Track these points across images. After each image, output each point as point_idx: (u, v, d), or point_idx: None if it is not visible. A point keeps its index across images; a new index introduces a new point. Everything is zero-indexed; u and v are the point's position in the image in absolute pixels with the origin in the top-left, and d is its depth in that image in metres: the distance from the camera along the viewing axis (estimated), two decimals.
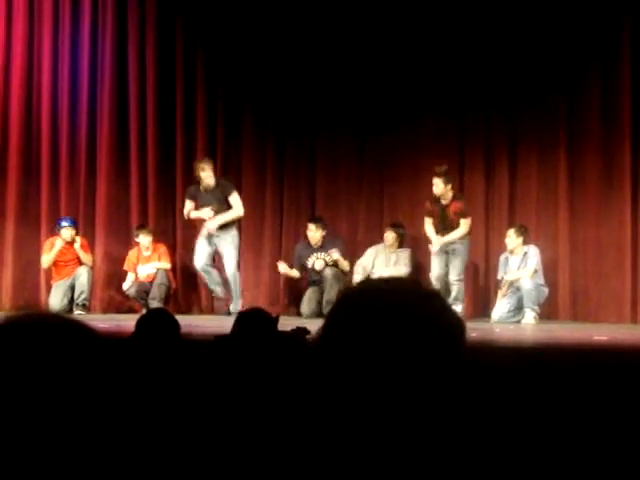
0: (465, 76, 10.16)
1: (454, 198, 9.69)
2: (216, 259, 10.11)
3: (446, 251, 9.69)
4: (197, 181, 9.94)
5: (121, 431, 1.02)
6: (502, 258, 9.73)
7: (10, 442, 0.99)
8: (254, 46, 10.55)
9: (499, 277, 9.78)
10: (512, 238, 9.57)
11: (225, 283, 10.01)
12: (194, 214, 9.95)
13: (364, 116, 10.49)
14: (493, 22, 10.05)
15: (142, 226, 10.32)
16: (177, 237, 10.80)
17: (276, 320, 4.03)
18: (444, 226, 9.71)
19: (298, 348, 3.02)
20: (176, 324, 3.76)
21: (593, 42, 9.82)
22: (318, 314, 9.70)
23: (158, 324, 3.66)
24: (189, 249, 10.63)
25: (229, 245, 9.88)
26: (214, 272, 10.02)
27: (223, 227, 9.84)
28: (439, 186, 9.58)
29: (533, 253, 9.51)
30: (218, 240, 9.89)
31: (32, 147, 10.82)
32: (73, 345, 0.99)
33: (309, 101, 10.54)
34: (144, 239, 10.13)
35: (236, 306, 9.73)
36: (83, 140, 10.78)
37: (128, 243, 10.56)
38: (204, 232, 9.91)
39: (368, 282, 1.44)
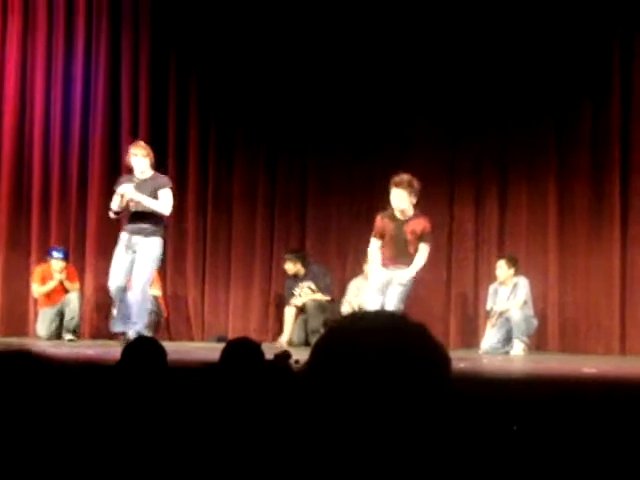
0: (456, 105, 10.22)
1: (416, 215, 8.04)
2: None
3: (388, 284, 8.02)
4: (129, 170, 8.49)
5: (100, 457, 1.01)
6: (491, 289, 9.73)
7: None
8: (246, 69, 10.61)
9: (488, 308, 9.78)
10: (504, 269, 9.58)
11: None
12: (114, 204, 8.19)
13: (354, 143, 10.53)
14: (484, 51, 10.12)
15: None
16: (167, 263, 10.79)
17: (260, 348, 4.04)
18: (396, 249, 8.02)
19: (282, 376, 3.02)
20: (163, 352, 3.75)
21: (583, 73, 9.91)
22: (304, 342, 9.81)
23: (144, 351, 3.65)
24: (180, 274, 10.66)
25: (145, 254, 8.09)
26: (128, 299, 8.16)
27: (144, 233, 8.12)
28: (404, 200, 7.89)
29: (523, 284, 9.53)
30: (136, 247, 8.12)
31: (23, 175, 10.81)
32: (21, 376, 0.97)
33: (300, 125, 10.58)
34: None
35: (138, 329, 8.00)
36: (74, 167, 10.78)
37: None
38: (123, 238, 8.22)
39: (353, 316, 1.44)
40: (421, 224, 7.98)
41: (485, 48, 10.12)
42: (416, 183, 7.93)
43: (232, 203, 10.80)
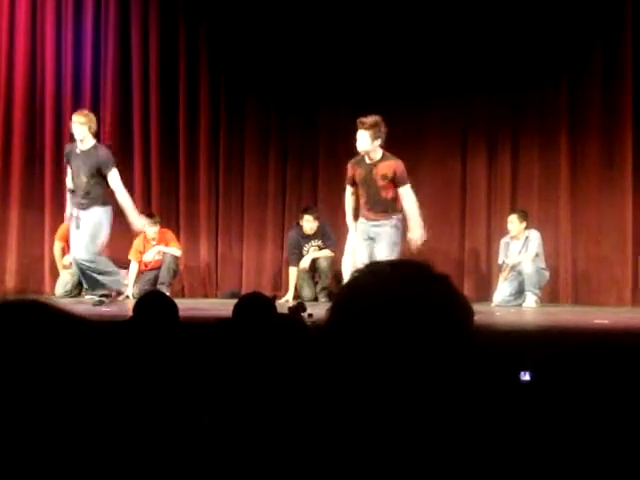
0: (468, 61, 10.14)
1: (385, 157, 7.53)
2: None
3: (371, 237, 7.52)
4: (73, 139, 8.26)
5: (112, 416, 1.01)
6: (503, 242, 9.74)
7: None
8: (257, 25, 10.55)
9: (500, 261, 9.79)
10: (515, 224, 9.58)
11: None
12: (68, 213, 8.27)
13: (366, 99, 10.46)
14: (496, 8, 10.04)
15: (149, 215, 10.12)
16: (180, 222, 10.84)
17: (273, 301, 4.07)
18: (368, 194, 7.54)
19: (295, 328, 3.05)
20: (174, 307, 3.77)
21: (595, 25, 9.83)
22: (314, 299, 9.82)
23: (156, 307, 3.68)
24: (193, 233, 10.71)
25: (88, 223, 7.96)
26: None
27: (88, 204, 7.99)
28: (364, 140, 7.39)
29: (534, 237, 9.54)
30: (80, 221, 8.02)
31: (36, 134, 10.83)
32: (45, 331, 0.97)
33: (311, 81, 10.53)
34: (150, 229, 9.93)
35: (97, 291, 8.18)
36: None
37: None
38: (73, 214, 8.11)
39: (377, 265, 1.42)
40: (391, 167, 7.48)
41: (497, 3, 10.03)
42: (382, 125, 7.45)
43: (244, 160, 10.81)
